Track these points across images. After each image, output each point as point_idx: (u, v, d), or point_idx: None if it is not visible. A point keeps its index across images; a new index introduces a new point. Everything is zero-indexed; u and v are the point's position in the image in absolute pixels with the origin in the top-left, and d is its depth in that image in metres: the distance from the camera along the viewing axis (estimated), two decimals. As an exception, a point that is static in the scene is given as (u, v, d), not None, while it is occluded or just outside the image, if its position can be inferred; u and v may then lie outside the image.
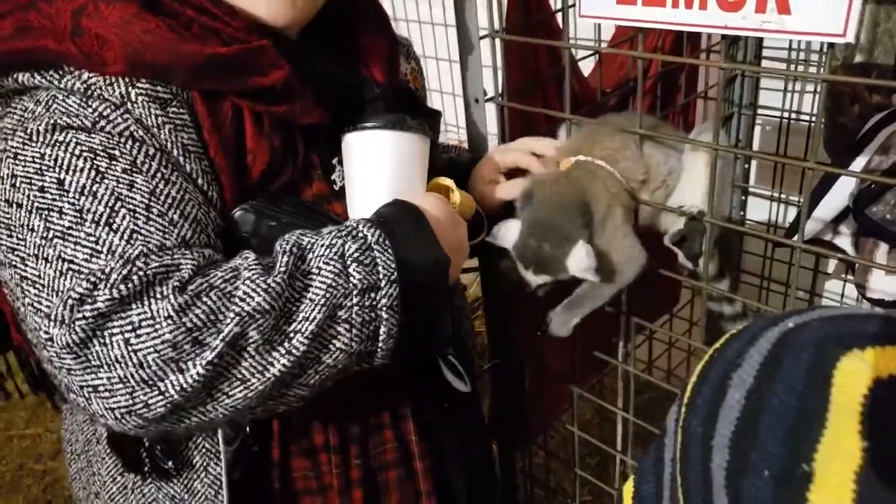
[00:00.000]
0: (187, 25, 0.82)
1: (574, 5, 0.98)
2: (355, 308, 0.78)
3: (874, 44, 1.23)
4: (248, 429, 0.93)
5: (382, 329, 0.80)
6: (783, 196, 1.88)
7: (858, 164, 1.23)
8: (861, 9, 1.19)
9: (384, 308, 0.79)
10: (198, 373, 0.71)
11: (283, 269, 0.77)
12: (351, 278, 0.78)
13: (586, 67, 1.60)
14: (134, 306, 0.72)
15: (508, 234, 1.02)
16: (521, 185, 1.06)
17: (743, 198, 1.95)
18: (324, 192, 0.94)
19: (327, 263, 0.78)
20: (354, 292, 0.78)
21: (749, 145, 1.86)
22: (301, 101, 0.88)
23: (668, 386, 1.49)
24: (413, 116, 0.97)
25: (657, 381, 1.52)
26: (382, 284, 0.79)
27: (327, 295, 0.77)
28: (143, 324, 0.71)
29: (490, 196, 1.11)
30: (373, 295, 0.79)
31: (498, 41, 1.13)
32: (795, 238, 1.31)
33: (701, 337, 1.66)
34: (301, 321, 0.76)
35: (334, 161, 0.95)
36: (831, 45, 0.79)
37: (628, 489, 0.46)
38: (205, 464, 0.94)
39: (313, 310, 0.76)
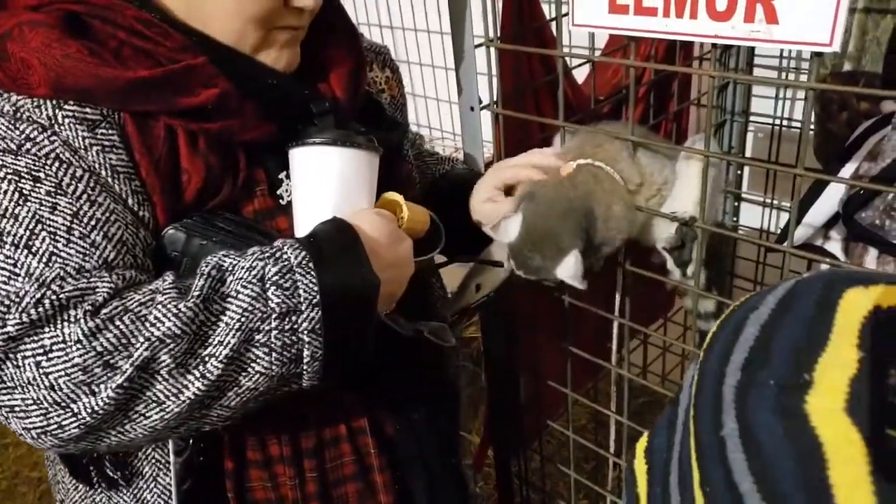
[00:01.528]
0: (117, 49, 0.82)
1: (567, 14, 1.00)
2: (274, 332, 0.78)
3: (862, 52, 1.25)
4: (197, 440, 0.92)
5: (306, 352, 0.80)
6: (776, 202, 1.90)
7: (847, 170, 1.25)
8: (847, 18, 1.21)
9: (305, 331, 0.79)
10: (108, 396, 0.73)
11: (197, 293, 0.77)
12: (269, 302, 0.78)
13: (581, 74, 1.62)
14: (46, 330, 0.73)
15: (509, 230, 1.03)
16: (522, 189, 1.07)
17: (736, 204, 1.97)
18: (268, 207, 0.93)
19: (245, 287, 0.78)
20: (273, 316, 0.78)
21: (742, 152, 1.88)
22: (240, 117, 0.87)
23: (663, 390, 1.51)
24: (375, 129, 0.98)
25: (652, 385, 1.53)
26: (303, 308, 0.79)
27: (243, 319, 0.77)
28: (55, 347, 0.73)
29: (488, 214, 1.11)
30: (293, 318, 0.78)
31: (492, 50, 1.15)
32: (786, 243, 1.33)
33: (694, 341, 1.68)
34: (216, 345, 0.76)
35: (282, 175, 0.94)
36: (818, 54, 0.80)
37: (641, 445, 0.48)
38: (154, 474, 0.94)
39: (228, 334, 0.77)
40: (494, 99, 1.22)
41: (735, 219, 1.99)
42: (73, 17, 0.81)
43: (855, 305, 0.39)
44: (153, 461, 0.94)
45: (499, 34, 1.21)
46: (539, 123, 1.32)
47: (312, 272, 0.80)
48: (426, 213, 1.01)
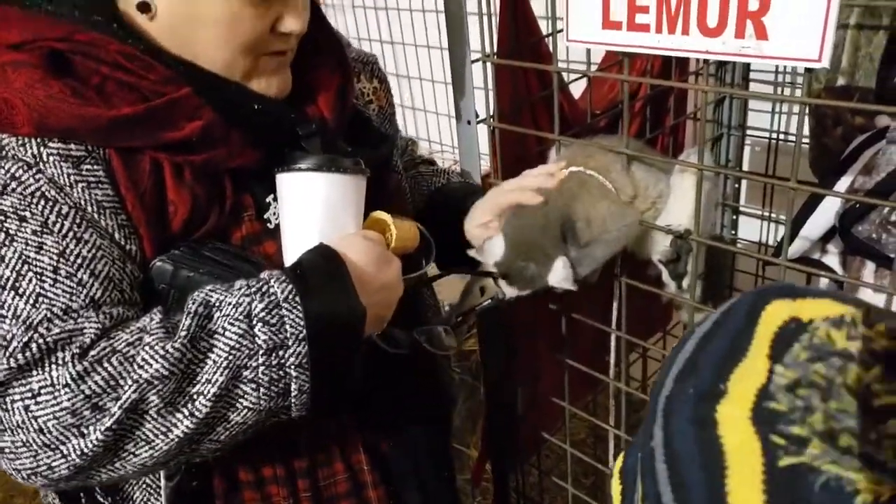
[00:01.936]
0: (100, 85, 0.82)
1: (562, 30, 1.01)
2: (261, 368, 0.78)
3: (855, 67, 1.26)
4: (189, 465, 0.92)
5: (293, 386, 0.80)
6: (773, 215, 1.90)
7: (843, 183, 1.26)
8: (839, 34, 1.22)
9: (293, 366, 0.80)
10: (97, 438, 0.74)
11: (184, 332, 0.77)
12: (256, 338, 0.78)
13: (578, 88, 1.64)
14: (34, 373, 0.74)
15: (493, 250, 1.04)
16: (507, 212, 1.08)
17: (734, 217, 1.98)
18: (255, 231, 0.93)
19: (233, 324, 0.79)
20: (260, 352, 0.78)
21: (739, 165, 1.89)
22: (226, 146, 0.87)
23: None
24: (362, 145, 0.98)
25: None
26: (290, 343, 0.79)
27: (230, 357, 0.78)
28: (43, 391, 0.73)
29: (477, 238, 1.11)
30: (280, 353, 0.79)
31: (489, 65, 1.16)
32: (781, 257, 1.33)
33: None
34: (204, 383, 0.77)
35: (269, 199, 0.94)
36: (809, 70, 0.81)
37: (617, 465, 0.49)
38: (145, 499, 0.94)
39: (216, 372, 0.77)
40: (491, 113, 1.23)
41: (733, 232, 1.99)
42: (55, 55, 0.81)
43: (774, 317, 0.40)
44: (144, 486, 0.94)
45: (495, 50, 1.23)
46: (536, 137, 1.33)
47: (299, 307, 0.80)
48: (415, 230, 1.00)
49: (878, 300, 1.20)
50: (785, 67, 1.67)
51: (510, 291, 1.05)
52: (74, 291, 0.78)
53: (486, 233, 1.08)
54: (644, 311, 1.62)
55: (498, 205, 1.08)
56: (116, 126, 0.81)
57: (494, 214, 1.08)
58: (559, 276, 1.00)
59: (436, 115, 2.70)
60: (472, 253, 1.08)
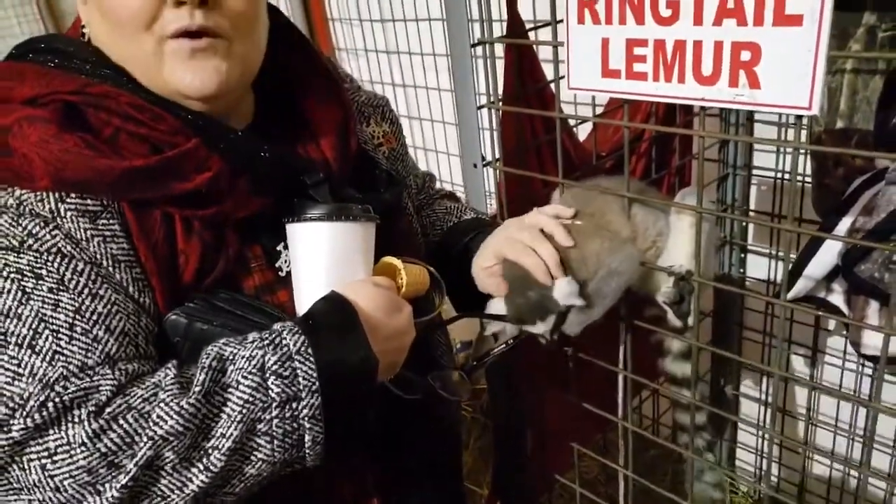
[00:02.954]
0: (113, 137, 0.84)
1: (564, 77, 1.05)
2: (275, 421, 0.79)
3: (854, 110, 1.29)
4: None
5: (307, 437, 0.81)
6: (781, 253, 1.91)
7: (844, 223, 1.27)
8: (836, 78, 1.25)
9: (306, 418, 0.80)
10: (113, 495, 0.74)
11: (198, 388, 0.78)
12: (270, 391, 0.79)
13: (585, 130, 1.67)
14: (51, 432, 0.74)
15: (496, 307, 1.06)
16: None
17: (742, 255, 1.99)
18: (268, 281, 0.93)
19: (246, 377, 0.79)
20: (274, 405, 0.79)
21: (745, 205, 1.91)
22: (233, 197, 0.88)
23: (672, 445, 1.50)
24: (371, 190, 0.99)
25: (660, 439, 1.53)
26: (303, 395, 0.80)
27: (244, 410, 0.78)
28: (59, 450, 0.74)
29: (486, 281, 1.11)
30: (294, 406, 0.80)
31: (494, 110, 1.20)
32: (788, 295, 1.35)
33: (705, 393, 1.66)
34: (219, 437, 0.78)
35: (279, 247, 0.95)
36: (799, 117, 0.84)
37: None
38: None
39: (230, 426, 0.78)
40: (497, 156, 1.26)
41: (742, 270, 2.00)
42: (69, 108, 0.83)
43: None
44: None
45: (500, 95, 1.27)
46: (541, 179, 1.36)
47: (311, 358, 0.81)
48: (425, 273, 1.02)
49: (881, 340, 1.21)
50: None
51: (542, 328, 1.05)
52: (90, 348, 0.79)
53: (489, 279, 1.09)
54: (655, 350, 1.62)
55: (503, 253, 1.08)
56: (129, 177, 0.82)
57: (499, 259, 1.09)
58: (564, 290, 1.00)
59: (447, 156, 2.75)
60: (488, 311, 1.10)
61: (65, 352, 0.78)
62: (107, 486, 0.74)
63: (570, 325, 1.06)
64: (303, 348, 0.81)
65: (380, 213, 0.98)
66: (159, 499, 0.77)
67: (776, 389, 1.11)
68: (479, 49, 1.22)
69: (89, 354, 0.79)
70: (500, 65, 1.30)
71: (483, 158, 1.30)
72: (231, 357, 0.81)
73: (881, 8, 1.18)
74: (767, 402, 2.08)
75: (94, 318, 0.80)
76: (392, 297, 0.93)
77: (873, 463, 1.00)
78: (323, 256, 0.91)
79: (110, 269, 0.83)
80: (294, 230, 0.92)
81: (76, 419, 0.75)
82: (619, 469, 1.44)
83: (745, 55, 0.84)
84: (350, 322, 0.85)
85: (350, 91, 1.15)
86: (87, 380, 0.77)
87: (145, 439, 0.75)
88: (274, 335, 0.83)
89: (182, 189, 0.85)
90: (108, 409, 0.76)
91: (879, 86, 1.25)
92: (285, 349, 0.81)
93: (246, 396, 0.79)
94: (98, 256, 0.82)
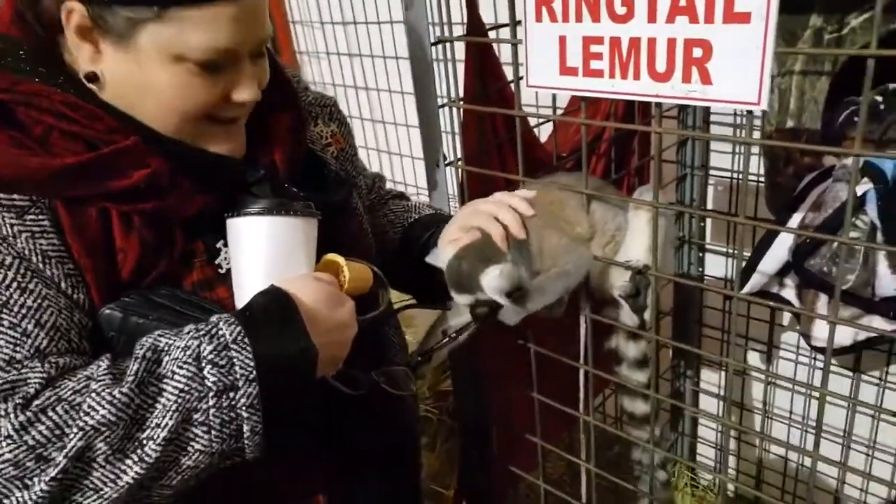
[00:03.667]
0: (44, 135, 0.82)
1: (524, 76, 1.07)
2: (212, 410, 0.79)
3: (802, 110, 1.33)
4: None
5: (245, 427, 0.81)
6: (738, 251, 1.96)
7: (795, 220, 1.32)
8: (786, 80, 1.29)
9: (244, 407, 0.80)
10: (41, 489, 0.73)
11: (132, 377, 0.77)
12: (206, 381, 0.79)
13: (548, 130, 1.70)
14: None
15: (441, 257, 1.06)
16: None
17: (700, 254, 2.03)
18: (207, 277, 0.92)
19: (181, 367, 0.79)
20: (210, 395, 0.78)
21: (703, 204, 1.96)
22: (175, 195, 0.87)
23: (634, 439, 1.52)
24: (317, 190, 0.99)
25: (624, 434, 1.55)
26: (240, 384, 0.80)
27: (179, 400, 0.78)
28: None
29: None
30: (231, 395, 0.79)
31: (455, 109, 1.21)
32: (743, 290, 1.38)
33: (668, 390, 1.69)
34: (153, 427, 0.77)
35: (219, 245, 0.94)
36: (750, 112, 0.87)
37: None
38: None
39: (165, 416, 0.77)
40: (459, 156, 1.27)
41: (700, 269, 2.05)
42: None
43: None
44: None
45: (461, 95, 1.28)
46: (503, 178, 1.37)
47: (248, 347, 0.81)
48: (368, 271, 1.02)
49: (825, 331, 1.26)
50: (742, 109, 1.75)
51: (458, 299, 1.05)
52: (18, 341, 0.77)
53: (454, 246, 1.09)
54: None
55: (469, 225, 1.09)
56: (61, 176, 0.81)
57: (464, 232, 1.09)
58: (493, 282, 1.00)
59: (411, 159, 2.76)
60: (428, 259, 1.10)
61: None
62: (35, 479, 0.73)
63: (507, 314, 1.06)
64: (239, 337, 0.81)
65: (328, 213, 0.98)
66: (92, 492, 0.76)
67: (730, 381, 1.13)
68: (439, 50, 1.23)
69: (17, 348, 0.77)
70: (461, 66, 1.31)
71: (445, 158, 1.32)
72: (166, 348, 0.81)
73: (827, 10, 1.22)
74: (726, 397, 2.12)
75: (23, 311, 0.79)
76: (333, 291, 0.92)
77: (825, 452, 1.03)
78: (263, 251, 0.91)
79: (40, 265, 0.81)
80: (234, 225, 0.92)
81: (2, 412, 0.74)
82: (582, 465, 1.46)
83: (697, 52, 0.87)
84: (289, 314, 0.85)
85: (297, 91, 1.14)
86: (15, 373, 0.76)
87: (76, 430, 0.74)
88: (210, 326, 0.82)
89: (119, 186, 0.83)
90: (36, 402, 0.75)
91: (825, 87, 1.29)
92: (221, 339, 0.81)
93: (181, 386, 0.78)
94: (27, 252, 0.80)
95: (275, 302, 0.86)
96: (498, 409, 1.59)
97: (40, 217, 0.81)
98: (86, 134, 0.83)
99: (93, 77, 0.85)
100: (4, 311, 0.78)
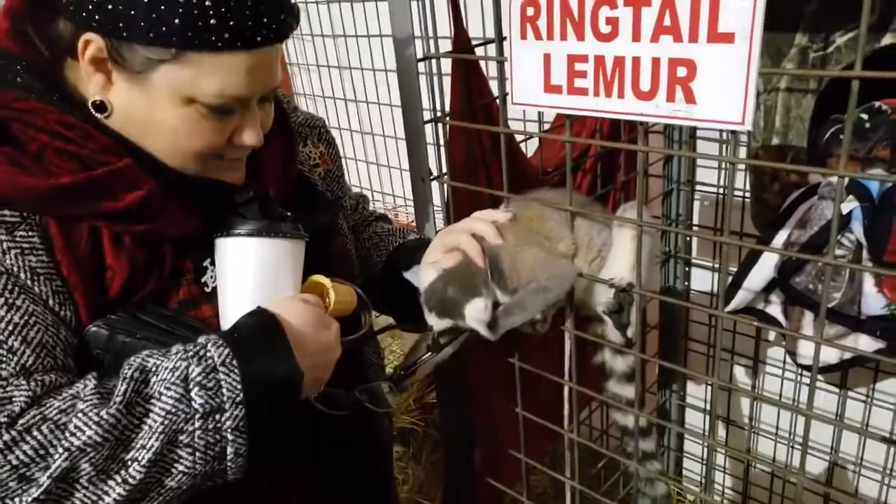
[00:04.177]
0: (39, 152, 0.82)
1: (509, 94, 1.06)
2: (197, 432, 0.79)
3: (788, 128, 1.33)
4: None
5: (229, 450, 0.81)
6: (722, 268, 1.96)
7: (781, 237, 1.32)
8: (772, 97, 1.30)
9: (229, 430, 0.80)
10: None
11: (119, 398, 0.77)
12: (193, 402, 0.79)
13: (535, 145, 1.69)
14: None
15: (423, 278, 1.06)
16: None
17: (687, 269, 2.03)
18: (193, 295, 0.93)
19: (169, 388, 0.79)
20: (197, 417, 0.78)
21: (689, 219, 1.96)
22: (165, 217, 0.88)
23: (619, 457, 1.52)
24: (305, 210, 0.99)
25: (608, 451, 1.54)
26: (227, 407, 0.80)
27: (166, 422, 0.77)
28: None
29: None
30: (217, 417, 0.79)
31: (440, 125, 1.21)
32: (729, 307, 1.38)
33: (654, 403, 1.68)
34: (138, 449, 0.77)
35: (206, 263, 0.94)
36: (734, 132, 0.87)
37: None
38: None
39: (151, 437, 0.77)
40: (444, 171, 1.27)
41: (686, 283, 2.05)
42: None
43: None
44: None
45: (448, 110, 1.27)
46: (489, 193, 1.37)
47: (236, 370, 0.81)
48: (353, 293, 1.02)
49: (811, 349, 1.25)
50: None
51: (435, 323, 1.05)
52: (4, 359, 0.77)
53: (434, 269, 1.09)
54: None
55: (445, 244, 1.09)
56: (54, 195, 0.81)
57: (445, 251, 1.09)
58: (478, 313, 1.00)
59: (399, 171, 2.76)
60: (407, 275, 1.10)
61: None
62: (17, 499, 0.72)
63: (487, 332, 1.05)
64: (227, 360, 0.81)
65: (315, 233, 0.99)
66: None
67: (715, 396, 1.13)
68: (426, 65, 1.23)
69: (3, 366, 0.77)
70: (447, 81, 1.31)
71: (430, 173, 1.31)
72: (154, 368, 0.81)
73: (812, 29, 1.23)
74: (712, 412, 2.12)
75: (10, 328, 0.78)
76: (319, 313, 0.93)
77: (812, 468, 1.03)
78: (250, 272, 0.91)
79: (28, 281, 0.80)
80: (222, 245, 0.92)
81: None
82: (566, 481, 1.45)
83: (682, 71, 0.86)
84: (276, 336, 0.86)
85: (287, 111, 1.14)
86: (0, 390, 0.75)
87: (61, 450, 0.74)
88: (198, 347, 0.82)
89: (111, 208, 0.84)
90: (21, 421, 0.74)
91: (811, 104, 1.30)
92: (209, 361, 0.81)
93: (168, 407, 0.78)
94: (15, 269, 0.80)
95: (262, 324, 0.87)
96: (482, 423, 1.58)
97: (30, 234, 0.81)
98: (80, 153, 0.84)
99: (101, 107, 0.85)
100: None
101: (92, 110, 0.86)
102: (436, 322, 1.05)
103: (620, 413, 1.32)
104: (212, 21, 0.78)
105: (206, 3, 0.78)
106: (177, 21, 0.78)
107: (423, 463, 2.70)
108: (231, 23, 0.79)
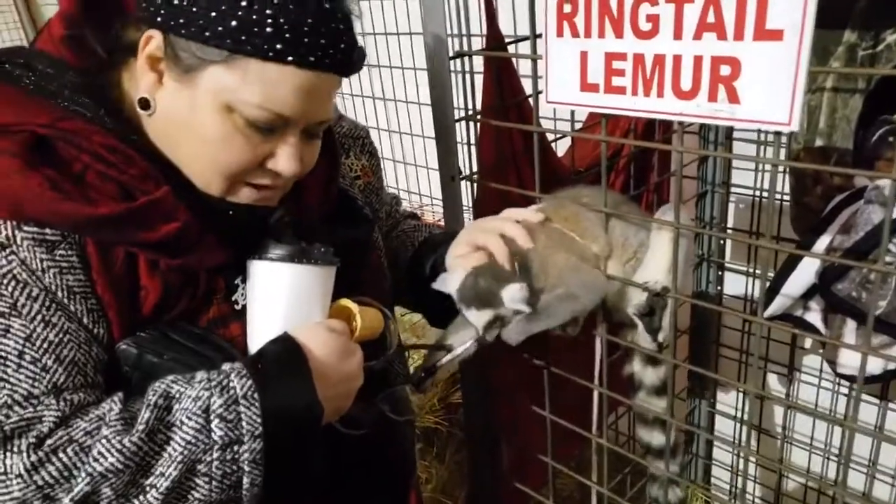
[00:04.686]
0: (81, 173, 0.82)
1: (542, 91, 1.04)
2: (215, 462, 0.80)
3: (833, 129, 1.29)
4: None
5: (245, 480, 0.82)
6: (758, 271, 1.91)
7: (822, 242, 1.27)
8: (817, 96, 1.25)
9: (246, 462, 0.81)
10: None
11: (142, 426, 0.78)
12: (213, 434, 0.80)
13: (566, 144, 1.66)
14: None
15: (451, 281, 1.05)
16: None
17: (720, 273, 1.99)
18: (223, 313, 0.93)
19: (190, 418, 0.80)
20: (215, 447, 0.80)
21: (723, 222, 1.91)
22: (200, 251, 0.87)
23: (646, 462, 1.48)
24: (343, 225, 0.98)
25: (636, 456, 1.51)
26: (245, 439, 0.81)
27: (185, 451, 0.79)
28: None
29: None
30: (235, 448, 0.81)
31: (472, 123, 1.18)
32: (766, 313, 1.33)
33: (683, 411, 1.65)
34: (158, 476, 0.78)
35: (237, 281, 0.94)
36: (778, 133, 0.83)
37: None
38: None
39: (170, 466, 0.78)
40: (475, 170, 1.25)
41: (719, 287, 2.00)
42: (38, 139, 0.81)
43: None
44: None
45: (479, 108, 1.25)
46: (520, 193, 1.34)
47: (256, 404, 0.82)
48: (380, 317, 1.01)
49: (858, 357, 1.21)
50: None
51: (476, 317, 1.03)
52: (37, 377, 0.78)
53: (461, 263, 1.07)
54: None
55: (474, 240, 1.08)
56: (93, 223, 0.81)
57: (472, 248, 1.08)
58: (513, 293, 0.99)
59: (426, 170, 2.74)
60: (435, 285, 1.08)
61: (11, 380, 0.77)
62: None
63: (510, 332, 1.04)
64: (249, 392, 0.82)
65: (350, 249, 0.98)
66: None
67: (751, 408, 1.09)
68: (457, 63, 1.21)
69: (36, 384, 0.78)
70: (479, 80, 1.29)
71: (460, 172, 1.29)
72: (177, 396, 0.82)
73: (861, 26, 1.18)
74: (743, 420, 2.07)
75: (45, 346, 0.79)
76: (344, 342, 0.93)
77: (849, 482, 0.99)
78: (280, 297, 0.92)
79: (65, 299, 0.81)
80: (255, 267, 0.92)
81: (16, 449, 0.74)
82: (593, 486, 1.42)
83: (725, 70, 0.83)
84: (299, 367, 0.86)
85: (332, 121, 1.13)
86: (31, 409, 0.76)
87: (84, 475, 0.75)
88: (222, 377, 0.83)
89: (147, 238, 0.84)
90: (48, 441, 0.75)
91: (859, 105, 1.25)
92: (231, 392, 0.82)
93: (189, 437, 0.79)
94: (53, 287, 0.80)
95: (286, 354, 0.87)
96: (507, 424, 1.55)
97: (69, 253, 0.81)
98: (121, 179, 0.83)
99: (145, 104, 0.86)
100: (27, 344, 0.78)
101: (137, 107, 0.86)
102: (476, 317, 1.03)
103: (645, 429, 1.29)
104: (267, 29, 0.78)
105: (267, 11, 0.78)
106: (233, 23, 0.78)
107: (446, 462, 2.69)
108: (287, 35, 0.79)
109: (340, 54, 0.84)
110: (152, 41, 0.83)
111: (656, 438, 1.26)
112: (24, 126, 0.81)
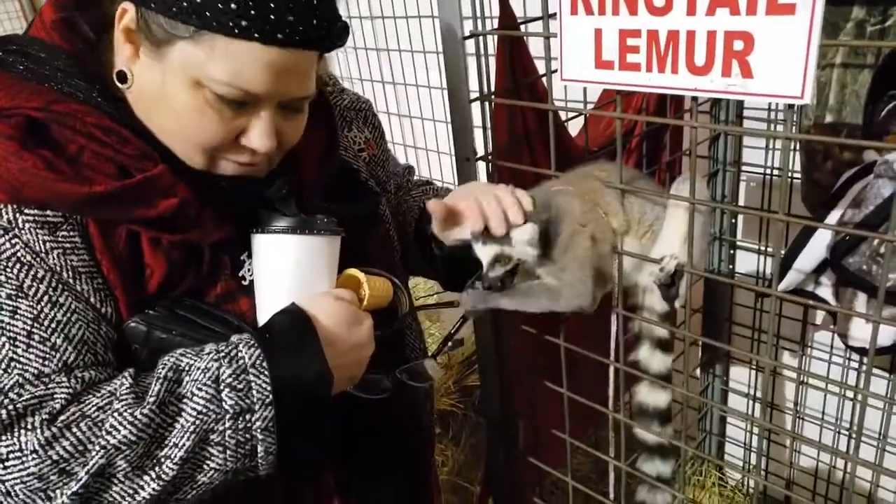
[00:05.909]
0: (77, 154, 0.82)
1: (556, 70, 1.05)
2: (228, 432, 0.81)
3: (843, 104, 1.30)
4: None
5: (259, 448, 0.83)
6: (769, 248, 1.93)
7: (833, 217, 1.29)
8: (826, 73, 1.27)
9: (259, 430, 0.82)
10: (63, 502, 0.76)
11: (153, 398, 0.79)
12: (224, 403, 0.81)
13: (577, 125, 1.68)
14: (3, 438, 0.76)
15: (464, 233, 1.06)
16: None
17: (731, 251, 2.00)
18: (230, 289, 0.93)
19: (201, 388, 0.81)
20: (227, 417, 0.81)
21: (734, 201, 1.93)
22: (199, 226, 0.87)
23: (659, 438, 1.50)
24: (347, 199, 0.97)
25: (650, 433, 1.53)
26: (257, 408, 0.82)
27: (197, 421, 0.80)
28: (11, 456, 0.75)
29: (436, 209, 1.06)
30: (247, 417, 0.82)
31: (487, 104, 1.20)
32: (779, 288, 1.35)
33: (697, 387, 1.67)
34: (171, 447, 0.79)
35: (243, 257, 0.94)
36: (790, 106, 0.85)
37: None
38: None
39: (183, 436, 0.79)
40: (489, 151, 1.26)
41: (731, 266, 2.02)
42: (32, 122, 0.81)
43: None
44: None
45: (493, 89, 1.27)
46: (534, 172, 1.36)
47: (266, 372, 0.83)
48: (388, 285, 1.01)
49: (869, 330, 1.23)
50: (777, 104, 1.72)
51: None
52: (47, 356, 0.79)
53: (440, 206, 1.06)
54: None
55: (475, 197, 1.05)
56: (90, 201, 0.81)
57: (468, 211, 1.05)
58: (523, 234, 1.01)
59: (437, 154, 2.76)
60: (441, 240, 1.10)
61: (21, 359, 0.78)
62: (57, 492, 0.76)
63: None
64: (258, 361, 0.83)
65: (355, 222, 0.98)
66: None
67: (765, 383, 1.11)
68: (470, 44, 1.22)
69: (46, 362, 0.79)
70: (492, 61, 1.30)
71: (475, 153, 1.31)
72: (187, 368, 0.83)
73: (870, 2, 1.19)
74: (756, 397, 2.10)
75: (53, 325, 0.80)
76: (352, 310, 0.93)
77: (860, 454, 1.01)
78: (286, 268, 0.92)
79: (71, 280, 0.82)
80: (259, 241, 0.92)
81: (29, 426, 0.76)
82: (610, 461, 1.44)
83: (738, 45, 0.85)
84: (307, 336, 0.87)
85: (332, 95, 1.13)
86: (42, 387, 0.78)
87: (98, 448, 0.76)
88: (230, 347, 0.84)
89: (145, 215, 0.84)
90: (61, 417, 0.77)
91: (868, 80, 1.26)
92: (240, 362, 0.83)
93: (200, 408, 0.80)
94: (58, 268, 0.81)
95: (294, 324, 0.88)
96: (523, 405, 1.58)
97: (72, 234, 0.82)
98: (117, 158, 0.84)
99: (123, 77, 0.86)
100: (35, 324, 0.79)
101: (116, 80, 0.86)
102: (483, 251, 1.04)
103: (644, 427, 1.31)
104: (232, 5, 0.77)
105: None
106: None
107: (462, 445, 2.72)
108: (252, 12, 0.77)
109: (314, 30, 0.82)
110: (127, 14, 0.82)
111: (654, 439, 1.27)
112: (18, 110, 0.81)
